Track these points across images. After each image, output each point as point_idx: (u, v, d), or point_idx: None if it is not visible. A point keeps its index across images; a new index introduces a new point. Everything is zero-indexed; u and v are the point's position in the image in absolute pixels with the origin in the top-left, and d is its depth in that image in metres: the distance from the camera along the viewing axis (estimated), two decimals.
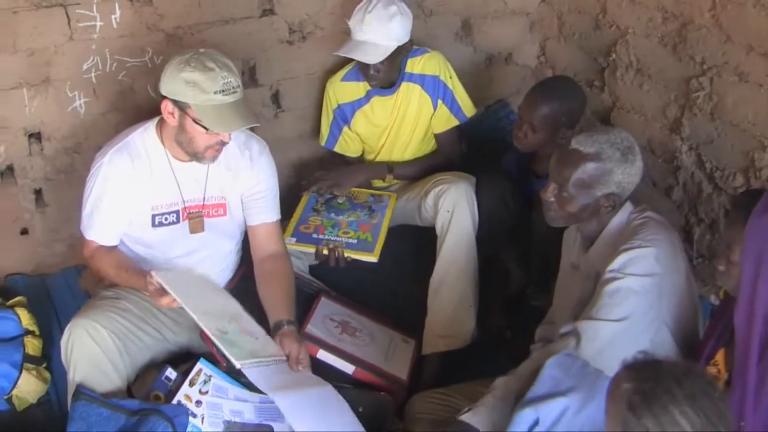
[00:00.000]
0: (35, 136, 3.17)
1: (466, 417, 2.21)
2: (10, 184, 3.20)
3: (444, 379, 2.86)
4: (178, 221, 2.74)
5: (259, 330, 2.64)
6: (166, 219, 2.73)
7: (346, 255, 3.00)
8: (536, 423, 2.04)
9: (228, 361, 2.46)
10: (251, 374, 2.45)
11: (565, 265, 2.64)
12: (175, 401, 2.52)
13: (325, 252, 3.01)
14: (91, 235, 2.71)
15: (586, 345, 2.24)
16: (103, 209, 2.67)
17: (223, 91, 2.50)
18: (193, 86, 2.50)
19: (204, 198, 2.75)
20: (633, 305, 2.26)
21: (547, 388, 2.08)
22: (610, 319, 2.25)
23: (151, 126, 2.70)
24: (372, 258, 3.00)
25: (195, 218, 2.75)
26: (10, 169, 3.19)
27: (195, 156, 2.64)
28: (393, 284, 3.22)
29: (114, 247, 2.73)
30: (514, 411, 2.07)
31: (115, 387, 2.56)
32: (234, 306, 2.67)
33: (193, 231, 2.77)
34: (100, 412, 2.45)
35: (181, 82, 2.51)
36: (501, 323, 3.15)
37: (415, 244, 3.16)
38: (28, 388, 2.86)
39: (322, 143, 3.47)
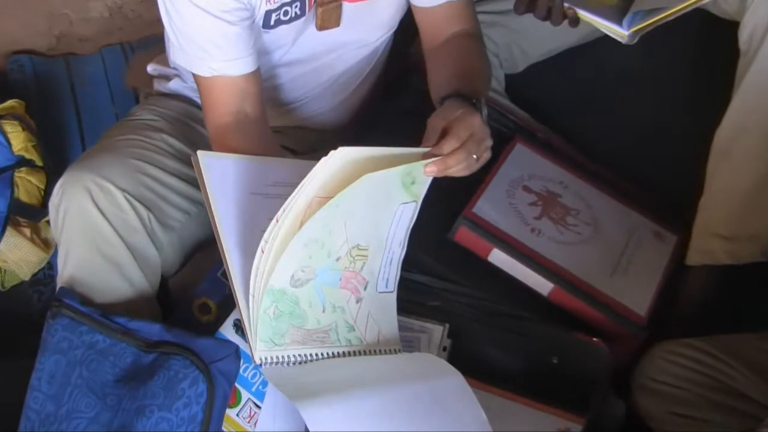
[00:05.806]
0: None
1: None
2: None
3: (716, 319, 1.77)
4: (302, 14, 1.77)
5: (383, 274, 1.52)
6: (285, 14, 1.76)
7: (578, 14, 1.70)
8: None
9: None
10: (269, 373, 1.36)
11: None
12: (229, 322, 1.54)
13: None
14: (214, 66, 1.66)
15: None
16: (210, 16, 1.63)
17: None
18: None
19: None
20: None
21: None
22: None
23: None
24: (622, 35, 1.62)
25: (328, 4, 1.76)
26: None
27: None
28: (653, 124, 2.04)
29: (263, 119, 1.73)
30: None
31: (134, 291, 1.61)
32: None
33: (322, 26, 1.79)
34: (93, 341, 1.46)
35: None
36: None
37: (701, 51, 1.89)
38: (16, 256, 1.92)
39: None
